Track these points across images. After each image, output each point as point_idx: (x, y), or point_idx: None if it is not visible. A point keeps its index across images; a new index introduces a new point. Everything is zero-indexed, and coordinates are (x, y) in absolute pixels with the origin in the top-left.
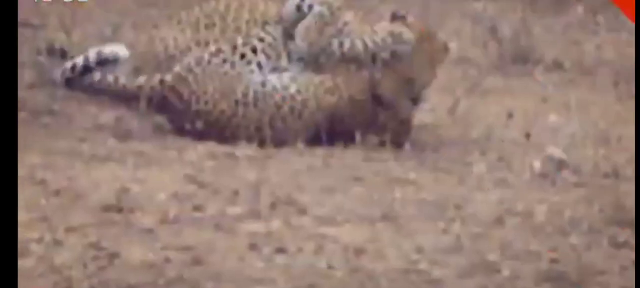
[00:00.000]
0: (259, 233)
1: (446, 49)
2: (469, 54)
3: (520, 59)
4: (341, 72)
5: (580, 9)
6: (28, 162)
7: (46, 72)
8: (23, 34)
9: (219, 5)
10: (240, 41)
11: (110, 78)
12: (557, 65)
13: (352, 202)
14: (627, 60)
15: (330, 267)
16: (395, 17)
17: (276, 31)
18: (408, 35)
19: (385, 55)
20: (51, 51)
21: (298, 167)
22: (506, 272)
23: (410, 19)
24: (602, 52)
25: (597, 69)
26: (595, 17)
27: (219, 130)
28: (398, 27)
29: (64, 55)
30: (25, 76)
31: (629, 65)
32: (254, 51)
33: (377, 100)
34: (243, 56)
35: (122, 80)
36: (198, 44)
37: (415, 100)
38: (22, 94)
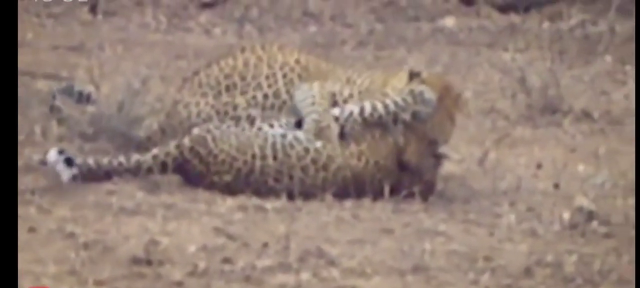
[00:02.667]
0: (288, 285)
1: (463, 100)
2: (497, 104)
3: (549, 109)
4: (366, 138)
5: (608, 59)
6: (58, 215)
7: (75, 125)
8: (53, 85)
9: (237, 63)
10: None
11: (121, 158)
12: (586, 115)
13: (382, 253)
14: None
15: None
16: (412, 75)
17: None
18: (429, 94)
19: (405, 116)
20: (78, 98)
21: (327, 219)
22: None
23: (425, 74)
24: (631, 102)
25: (625, 118)
26: (624, 66)
27: (239, 186)
28: (417, 86)
29: (89, 100)
30: (54, 129)
31: None
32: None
33: (402, 166)
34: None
35: (135, 157)
36: (218, 112)
37: (439, 157)
38: (51, 147)
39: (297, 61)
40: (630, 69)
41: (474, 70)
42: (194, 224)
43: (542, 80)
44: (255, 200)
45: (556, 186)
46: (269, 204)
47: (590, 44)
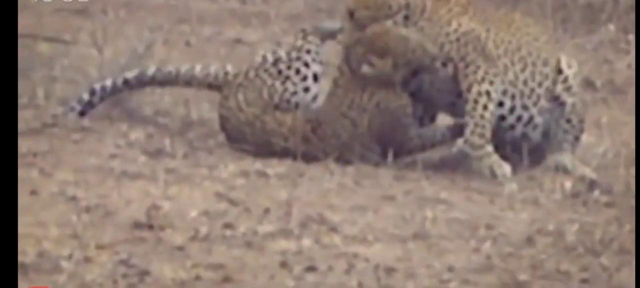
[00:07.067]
0: (290, 251)
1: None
2: None
3: None
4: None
5: (611, 28)
6: (59, 178)
7: (79, 88)
8: (56, 49)
9: None
10: None
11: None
12: (589, 84)
13: (383, 220)
14: None
15: (360, 286)
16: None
17: None
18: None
19: None
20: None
21: (329, 185)
22: None
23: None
24: (633, 71)
25: (628, 87)
26: (627, 35)
27: None
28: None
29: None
30: (57, 91)
31: None
32: None
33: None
34: None
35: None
36: None
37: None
38: (54, 109)
39: None
40: (633, 38)
41: None
42: (195, 189)
43: None
44: (257, 165)
45: None
46: (271, 169)
47: (593, 13)
